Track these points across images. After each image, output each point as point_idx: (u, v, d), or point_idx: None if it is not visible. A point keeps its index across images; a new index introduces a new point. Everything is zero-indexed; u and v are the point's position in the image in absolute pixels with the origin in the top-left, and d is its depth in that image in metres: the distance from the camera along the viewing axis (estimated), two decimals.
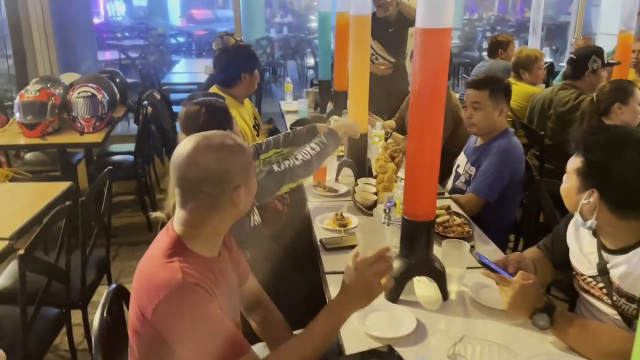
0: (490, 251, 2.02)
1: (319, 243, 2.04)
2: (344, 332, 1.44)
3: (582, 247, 1.67)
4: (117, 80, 4.41)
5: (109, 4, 14.31)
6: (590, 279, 1.63)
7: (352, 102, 2.71)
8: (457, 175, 2.78)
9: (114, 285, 1.57)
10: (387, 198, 2.13)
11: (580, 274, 1.67)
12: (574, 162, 1.53)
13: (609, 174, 1.45)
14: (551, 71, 5.28)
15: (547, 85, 4.59)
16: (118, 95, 4.13)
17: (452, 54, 9.43)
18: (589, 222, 1.50)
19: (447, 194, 2.64)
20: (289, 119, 4.08)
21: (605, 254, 1.56)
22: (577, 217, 1.55)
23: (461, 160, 2.80)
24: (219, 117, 1.89)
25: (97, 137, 3.53)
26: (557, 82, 4.92)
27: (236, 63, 2.94)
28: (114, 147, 4.48)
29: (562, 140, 3.25)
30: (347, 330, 1.44)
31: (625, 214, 1.46)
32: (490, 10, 20.50)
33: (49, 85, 3.74)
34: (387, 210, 2.11)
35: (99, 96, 3.62)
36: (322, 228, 2.17)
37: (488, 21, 15.72)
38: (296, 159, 2.05)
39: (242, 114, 2.97)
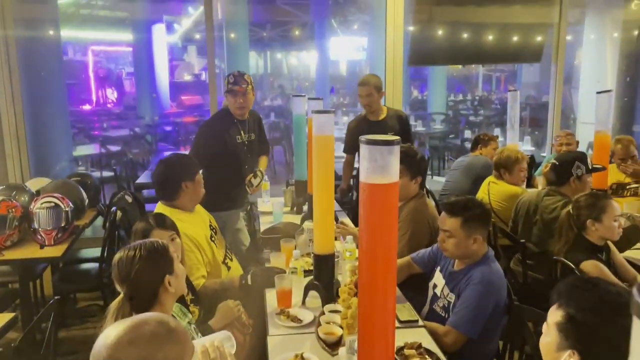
0: None
1: None
2: None
3: None
4: (89, 182, 4.31)
5: (100, 90, 14.61)
6: None
7: (317, 221, 2.56)
8: (435, 298, 2.61)
9: None
10: (349, 342, 1.93)
11: None
12: (555, 315, 1.37)
13: (597, 339, 1.29)
14: (532, 164, 5.24)
15: (530, 178, 4.54)
16: (86, 201, 4.00)
17: (437, 137, 9.53)
18: None
19: (421, 322, 2.45)
20: (264, 222, 3.95)
21: None
22: None
23: (438, 280, 2.63)
24: (155, 263, 1.78)
25: (58, 251, 3.36)
26: (538, 174, 4.90)
27: (173, 174, 2.83)
28: (84, 252, 4.32)
29: (550, 248, 3.12)
30: None
31: None
32: (475, 89, 21.11)
33: (13, 194, 3.63)
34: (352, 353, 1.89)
35: (63, 206, 3.48)
36: None
37: (472, 102, 16.09)
38: None
39: (194, 225, 2.82)
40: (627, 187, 4.30)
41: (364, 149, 1.34)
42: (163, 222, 2.40)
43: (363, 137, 1.35)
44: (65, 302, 4.07)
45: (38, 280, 4.01)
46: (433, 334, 2.27)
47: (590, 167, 3.34)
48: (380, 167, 1.33)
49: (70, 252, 3.61)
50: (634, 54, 6.46)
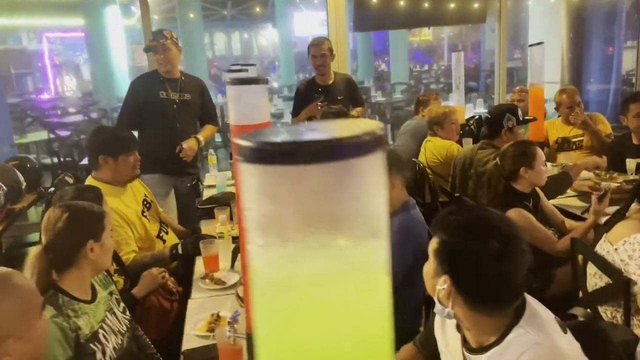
0: None
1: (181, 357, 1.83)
2: None
3: (448, 342, 1.50)
4: (28, 166, 4.22)
5: (58, 78, 14.27)
6: None
7: None
8: None
9: None
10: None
11: None
12: (433, 242, 1.38)
13: (463, 263, 1.29)
14: (480, 124, 5.29)
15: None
16: (24, 184, 3.92)
17: (397, 107, 9.52)
18: (446, 310, 1.35)
19: None
20: (207, 194, 3.91)
21: (467, 353, 1.40)
22: (436, 303, 1.39)
23: None
24: (84, 224, 1.78)
25: None
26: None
27: (93, 147, 2.80)
28: (30, 237, 4.25)
29: (482, 200, 3.17)
30: None
31: (481, 309, 1.31)
32: (441, 60, 21.15)
33: None
34: (230, 322, 1.75)
35: None
36: (193, 335, 1.96)
37: (436, 72, 16.12)
38: None
39: (125, 201, 2.78)
40: (572, 140, 4.36)
41: (231, 90, 1.32)
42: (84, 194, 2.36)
43: (229, 78, 1.33)
44: None
45: None
46: None
47: (521, 119, 3.37)
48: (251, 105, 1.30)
49: (12, 236, 3.55)
50: (580, 9, 6.51)
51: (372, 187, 0.38)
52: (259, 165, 0.37)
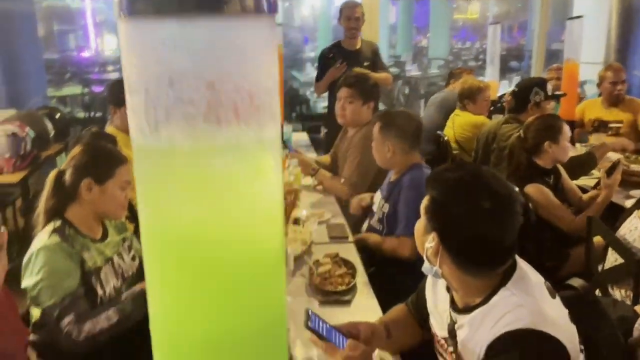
0: (370, 306, 1.85)
1: None
2: None
3: (437, 303, 1.48)
4: (57, 116, 4.31)
5: (99, 37, 14.46)
6: (443, 341, 1.43)
7: None
8: (372, 214, 2.61)
9: None
10: None
11: (435, 334, 1.48)
12: (425, 200, 1.35)
13: (450, 217, 1.26)
14: None
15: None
16: (52, 133, 4.02)
17: (432, 83, 9.30)
18: (434, 269, 1.32)
19: (351, 238, 2.45)
20: None
21: (453, 313, 1.37)
22: (425, 262, 1.36)
23: (377, 198, 2.63)
24: (92, 158, 1.81)
25: (15, 177, 3.40)
26: None
27: (109, 97, 2.88)
28: None
29: (502, 174, 3.09)
30: None
31: (468, 268, 1.27)
32: (485, 39, 20.56)
33: None
34: None
35: (22, 134, 3.50)
36: None
37: (477, 50, 15.68)
38: (80, 331, 1.64)
39: None
40: (610, 125, 4.17)
41: None
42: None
43: None
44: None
45: (11, 213, 4.07)
46: (391, 250, 2.28)
47: (549, 93, 3.24)
48: None
49: (40, 182, 3.61)
50: None
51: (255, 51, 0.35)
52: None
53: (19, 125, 3.53)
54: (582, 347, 1.27)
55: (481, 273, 1.27)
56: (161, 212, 0.39)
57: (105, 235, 1.92)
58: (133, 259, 2.05)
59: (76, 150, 1.86)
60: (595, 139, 3.87)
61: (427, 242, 1.31)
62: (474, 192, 1.23)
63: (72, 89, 6.83)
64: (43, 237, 1.73)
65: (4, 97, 4.73)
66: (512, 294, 1.22)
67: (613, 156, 3.35)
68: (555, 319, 1.19)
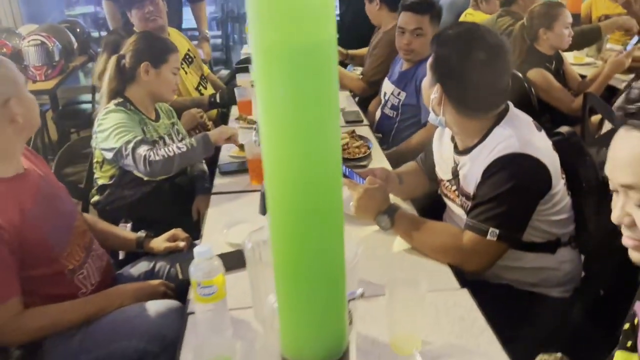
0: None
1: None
2: None
3: (442, 152, 1.72)
4: (78, 30, 4.47)
5: None
6: (447, 183, 1.69)
7: None
8: (385, 102, 2.79)
9: None
10: None
11: (441, 179, 1.73)
12: (430, 59, 1.55)
13: (450, 68, 1.46)
14: None
15: None
16: (75, 44, 4.19)
17: None
18: (439, 118, 1.55)
19: (366, 121, 2.69)
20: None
21: (456, 156, 1.61)
22: (431, 112, 1.58)
23: (387, 87, 2.80)
24: (150, 47, 2.08)
25: (49, 85, 3.62)
26: None
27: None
28: (81, 97, 4.59)
29: None
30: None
31: (467, 113, 1.49)
32: None
33: (3, 37, 3.83)
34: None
35: (50, 44, 3.68)
36: (227, 156, 2.25)
37: None
38: (157, 154, 1.90)
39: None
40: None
41: None
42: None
43: None
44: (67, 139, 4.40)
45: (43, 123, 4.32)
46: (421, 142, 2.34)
47: None
48: None
49: (66, 94, 3.84)
50: None
51: None
52: None
53: (46, 36, 3.70)
54: (564, 176, 1.52)
55: (479, 115, 1.50)
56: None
57: (158, 117, 2.21)
58: (181, 141, 2.30)
59: (134, 36, 2.15)
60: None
61: (432, 94, 1.53)
62: (470, 44, 1.44)
63: (85, 8, 6.89)
64: (109, 106, 2.00)
65: (25, 15, 4.86)
66: (504, 129, 1.46)
67: (615, 47, 3.46)
68: (540, 146, 1.43)
